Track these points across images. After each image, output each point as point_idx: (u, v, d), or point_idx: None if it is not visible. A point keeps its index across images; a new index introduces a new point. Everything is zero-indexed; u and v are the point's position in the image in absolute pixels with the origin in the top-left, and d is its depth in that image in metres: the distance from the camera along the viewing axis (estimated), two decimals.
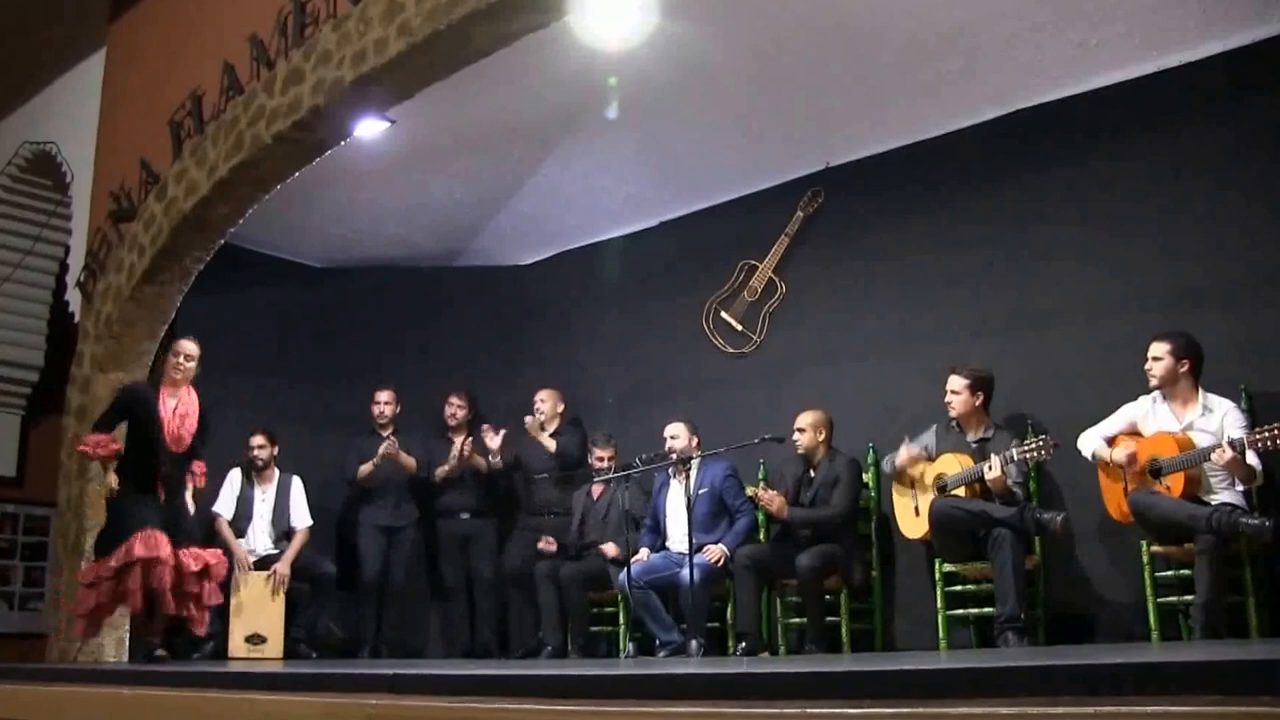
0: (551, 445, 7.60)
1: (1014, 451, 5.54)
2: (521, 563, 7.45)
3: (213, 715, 3.82)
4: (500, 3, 4.70)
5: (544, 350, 8.45)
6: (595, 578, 6.94)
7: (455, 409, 8.03)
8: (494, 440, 7.68)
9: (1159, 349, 5.28)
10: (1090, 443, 5.48)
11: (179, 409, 6.04)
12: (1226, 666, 1.92)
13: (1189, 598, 4.96)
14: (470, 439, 7.79)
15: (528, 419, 7.64)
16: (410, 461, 7.79)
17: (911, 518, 6.04)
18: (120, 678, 4.68)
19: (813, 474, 6.39)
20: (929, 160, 6.73)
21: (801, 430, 6.38)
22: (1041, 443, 5.48)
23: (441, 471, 7.82)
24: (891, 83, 6.28)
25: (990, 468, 5.57)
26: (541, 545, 7.28)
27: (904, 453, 6.02)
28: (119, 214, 6.88)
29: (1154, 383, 5.29)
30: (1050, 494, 5.92)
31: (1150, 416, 5.35)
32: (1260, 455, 4.95)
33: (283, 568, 7.17)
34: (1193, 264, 5.74)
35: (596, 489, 7.22)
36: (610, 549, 6.91)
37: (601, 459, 7.27)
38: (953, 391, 5.94)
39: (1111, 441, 5.42)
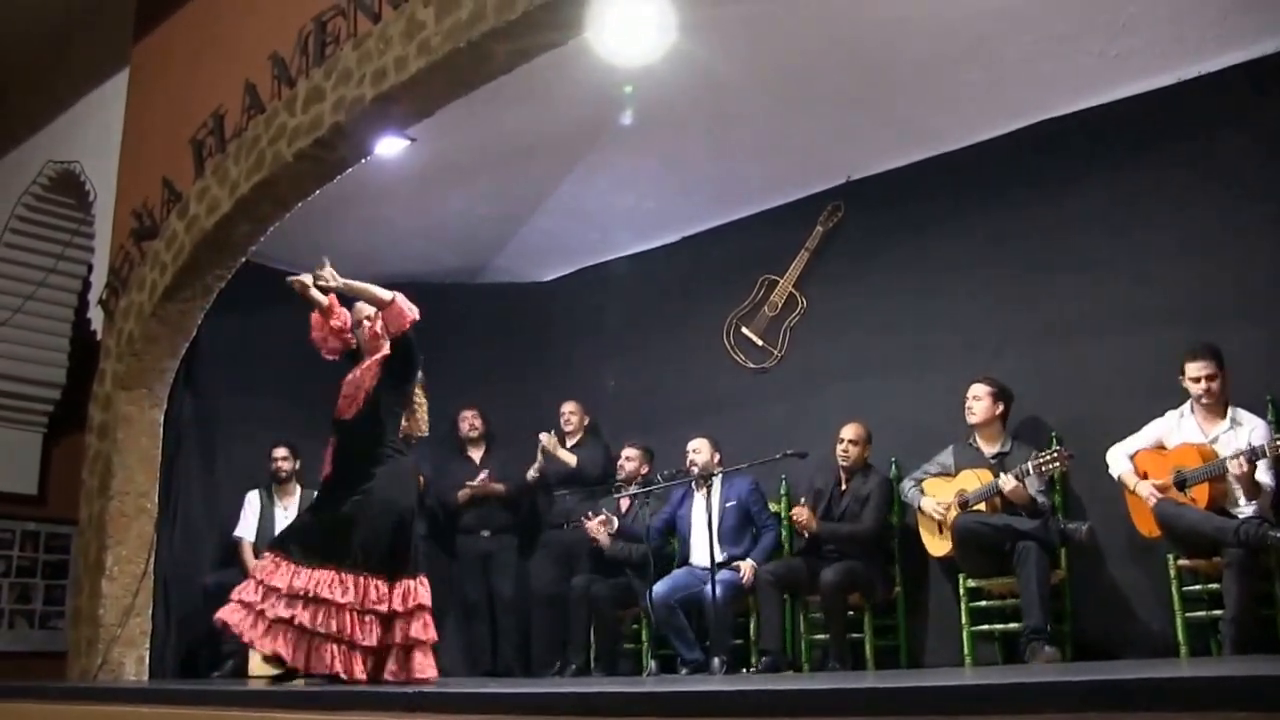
0: (571, 460, 7.58)
1: (1030, 464, 5.52)
2: (548, 581, 7.42)
3: None
4: (519, 20, 4.71)
5: (565, 366, 8.44)
6: (626, 593, 6.91)
7: (469, 423, 8.01)
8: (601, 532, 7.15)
9: (1209, 367, 5.17)
10: (1117, 463, 5.43)
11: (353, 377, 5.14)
12: (1256, 682, 1.89)
13: (1218, 612, 4.91)
14: (490, 472, 7.78)
15: (544, 437, 7.61)
16: None
17: (935, 535, 6.00)
18: (140, 696, 4.69)
19: (844, 488, 6.36)
20: (949, 173, 6.71)
21: (854, 443, 6.33)
22: (1056, 454, 5.46)
23: (464, 495, 7.80)
24: (912, 96, 6.27)
25: (1006, 480, 5.55)
26: (589, 525, 7.07)
27: (931, 507, 5.99)
28: (141, 232, 6.92)
29: (1208, 401, 5.19)
30: (1075, 507, 5.87)
31: (1176, 431, 5.31)
32: (1276, 470, 4.92)
33: None
34: (1217, 274, 5.69)
35: (624, 504, 7.19)
36: (598, 530, 7.00)
37: (631, 459, 7.25)
38: (974, 398, 5.92)
39: (1133, 459, 5.40)
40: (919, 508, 6.05)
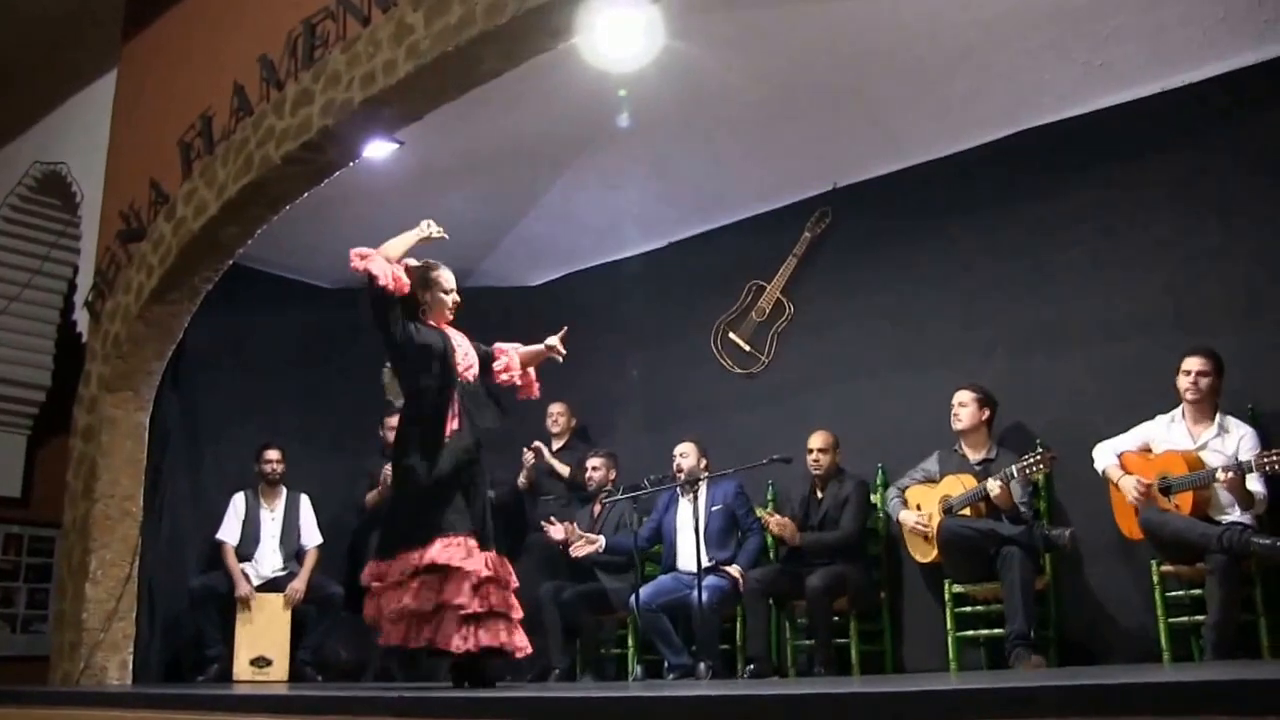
0: (565, 470, 7.57)
1: (1014, 467, 5.54)
2: (531, 586, 7.40)
3: None
4: (508, 25, 4.71)
5: (553, 371, 8.40)
6: (597, 599, 6.91)
7: None
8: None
9: (1203, 364, 5.20)
10: (1103, 457, 5.45)
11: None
12: (1237, 686, 1.90)
13: (1200, 617, 4.93)
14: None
15: (530, 452, 7.61)
16: None
17: (920, 542, 6.02)
18: (123, 701, 4.67)
19: (820, 495, 6.37)
20: (936, 180, 6.73)
21: (824, 451, 6.36)
22: (1039, 456, 5.48)
23: None
24: (899, 103, 6.29)
25: (992, 485, 5.57)
26: (550, 530, 6.98)
27: (912, 521, 6.01)
28: (128, 234, 6.90)
29: (1193, 397, 5.22)
30: (1060, 513, 5.89)
31: (1165, 436, 5.32)
32: (1266, 480, 4.94)
33: (299, 584, 7.18)
34: (1199, 283, 5.72)
35: (595, 510, 7.19)
36: (556, 532, 6.90)
37: (598, 467, 7.26)
38: (960, 404, 5.95)
39: (1119, 459, 5.41)
40: (898, 520, 6.07)
